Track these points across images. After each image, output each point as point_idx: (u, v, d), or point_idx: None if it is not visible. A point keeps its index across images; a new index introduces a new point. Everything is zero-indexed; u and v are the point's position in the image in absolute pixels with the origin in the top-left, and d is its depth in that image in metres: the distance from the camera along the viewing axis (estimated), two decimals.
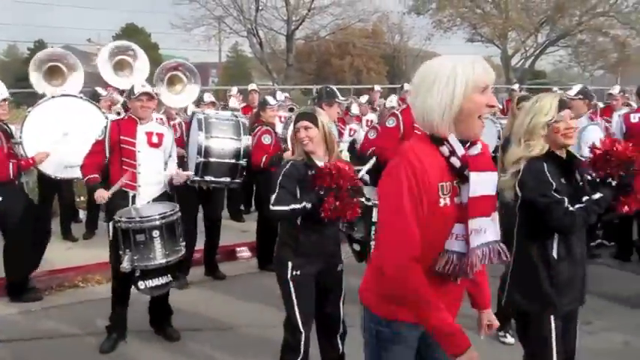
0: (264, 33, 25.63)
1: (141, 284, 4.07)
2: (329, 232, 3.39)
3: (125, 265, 4.00)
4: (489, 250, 2.02)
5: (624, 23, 25.81)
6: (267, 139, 5.81)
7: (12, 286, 5.25)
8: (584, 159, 2.85)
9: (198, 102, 7.23)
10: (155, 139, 4.41)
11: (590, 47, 27.73)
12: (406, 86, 9.72)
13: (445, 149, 1.94)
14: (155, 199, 4.41)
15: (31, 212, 5.30)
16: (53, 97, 5.95)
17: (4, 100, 5.24)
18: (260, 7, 24.70)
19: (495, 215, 2.06)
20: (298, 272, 3.29)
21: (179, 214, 4.25)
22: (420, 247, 1.92)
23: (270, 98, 6.57)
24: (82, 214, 7.71)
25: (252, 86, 9.94)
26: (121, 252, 4.07)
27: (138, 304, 4.51)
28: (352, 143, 7.96)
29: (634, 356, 4.04)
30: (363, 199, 4.26)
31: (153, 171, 4.39)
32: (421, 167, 1.89)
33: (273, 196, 3.23)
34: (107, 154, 4.33)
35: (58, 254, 6.03)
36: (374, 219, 4.31)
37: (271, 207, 3.23)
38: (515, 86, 12.52)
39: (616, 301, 3.89)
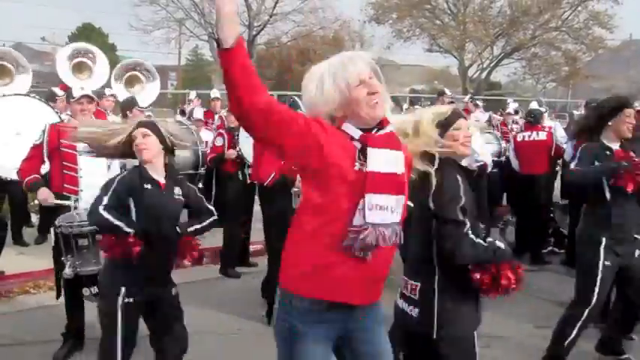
0: None
1: (85, 291, 3.91)
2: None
3: (67, 270, 3.89)
4: (392, 231, 2.07)
5: (575, 38, 26.86)
6: (219, 141, 6.24)
7: None
8: None
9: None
10: None
11: (543, 60, 28.69)
12: None
13: (347, 135, 2.09)
14: None
15: None
16: (4, 95, 5.79)
17: None
18: None
19: (402, 198, 2.10)
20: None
21: None
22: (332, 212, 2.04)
23: None
24: (35, 218, 7.49)
25: (214, 93, 9.82)
26: (63, 258, 3.95)
27: None
28: None
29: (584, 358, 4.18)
30: None
31: (95, 174, 4.23)
32: (331, 128, 2.07)
33: (105, 198, 3.08)
34: (45, 159, 4.29)
35: (8, 259, 5.82)
36: None
37: (101, 209, 3.06)
38: (466, 97, 12.81)
39: (565, 306, 4.05)
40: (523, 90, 33.89)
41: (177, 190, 3.28)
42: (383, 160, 2.06)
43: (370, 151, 2.04)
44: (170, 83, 35.64)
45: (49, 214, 6.57)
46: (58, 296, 4.27)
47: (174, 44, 27.62)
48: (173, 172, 3.36)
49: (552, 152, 6.81)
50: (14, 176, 5.64)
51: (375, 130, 2.10)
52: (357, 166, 2.03)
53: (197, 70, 39.85)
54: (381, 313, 2.25)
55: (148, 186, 3.14)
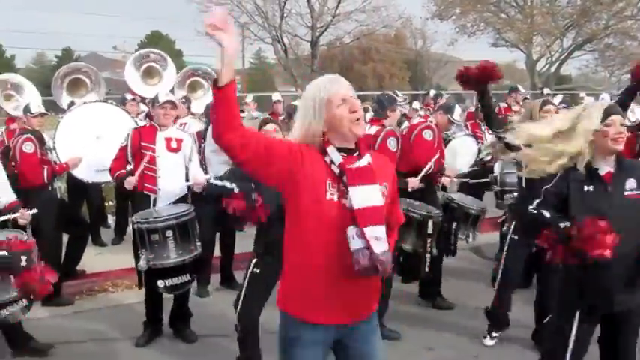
0: (289, 39, 25.73)
1: (160, 283, 4.21)
2: None
3: (142, 263, 4.19)
4: (387, 258, 2.15)
5: None
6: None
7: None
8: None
9: None
10: (174, 145, 4.62)
11: (617, 51, 27.25)
12: (432, 92, 9.73)
13: (327, 158, 2.20)
14: (175, 202, 4.60)
15: (66, 217, 5.39)
16: (85, 102, 6.05)
17: (42, 115, 5.45)
18: (285, 14, 24.82)
19: (383, 228, 2.19)
20: None
21: (193, 214, 4.36)
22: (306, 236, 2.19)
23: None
24: (111, 220, 7.79)
25: (276, 96, 9.85)
26: (139, 252, 4.26)
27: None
28: None
29: None
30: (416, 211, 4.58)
31: (172, 175, 4.59)
32: (308, 155, 2.20)
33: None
34: (130, 160, 4.59)
35: (88, 259, 6.08)
36: (429, 231, 4.56)
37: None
38: (545, 90, 12.35)
39: None
40: (595, 83, 32.37)
41: None
42: (367, 195, 2.17)
43: (352, 189, 2.16)
44: None
45: (125, 213, 6.94)
46: (140, 287, 4.50)
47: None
48: None
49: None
50: (94, 179, 5.94)
51: (357, 154, 2.25)
52: (328, 195, 2.18)
53: (260, 72, 40.49)
54: (373, 323, 2.40)
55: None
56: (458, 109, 5.64)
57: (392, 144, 4.96)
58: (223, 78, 1.98)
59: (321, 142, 2.23)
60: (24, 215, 4.24)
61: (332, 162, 2.20)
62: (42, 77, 37.72)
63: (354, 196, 2.15)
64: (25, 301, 3.98)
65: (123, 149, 4.63)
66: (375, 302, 2.42)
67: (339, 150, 2.23)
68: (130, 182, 4.51)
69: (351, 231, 2.12)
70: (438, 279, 5.33)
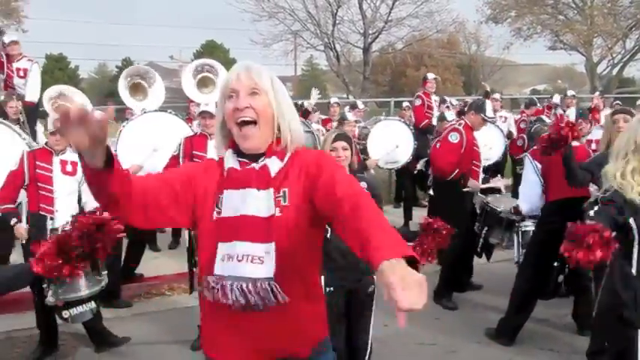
0: (341, 46, 25.82)
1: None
2: None
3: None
4: (251, 287, 1.69)
5: None
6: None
7: (106, 293, 5.51)
8: None
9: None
10: None
11: None
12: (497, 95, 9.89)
13: (222, 162, 1.82)
14: None
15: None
16: (145, 111, 6.26)
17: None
18: (337, 21, 24.93)
19: (265, 247, 1.70)
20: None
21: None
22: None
23: (349, 114, 7.25)
24: None
25: (333, 99, 10.29)
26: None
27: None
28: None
29: None
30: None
31: None
32: (204, 166, 1.86)
33: None
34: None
35: (145, 263, 6.29)
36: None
37: None
38: (596, 94, 11.99)
39: None
40: None
41: None
42: (236, 202, 1.73)
43: (224, 193, 1.75)
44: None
45: None
46: (190, 292, 4.67)
47: (290, 56, 28.40)
48: None
49: None
50: None
51: (262, 159, 1.78)
52: (215, 214, 1.76)
53: (312, 79, 40.81)
54: None
55: None
56: (489, 106, 5.54)
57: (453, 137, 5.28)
58: (91, 163, 1.51)
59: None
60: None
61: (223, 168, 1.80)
62: (103, 87, 39.39)
63: (223, 202, 1.75)
64: (93, 303, 4.16)
65: (175, 158, 4.75)
66: (312, 336, 1.85)
67: (245, 155, 1.79)
68: None
69: (219, 249, 1.72)
70: (456, 277, 5.46)
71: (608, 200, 2.73)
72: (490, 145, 7.69)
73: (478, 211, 5.39)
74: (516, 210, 4.74)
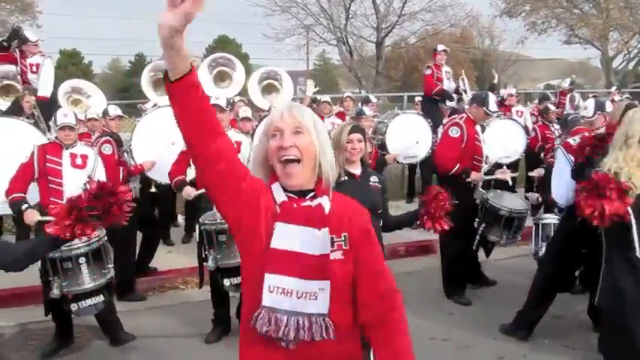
0: (354, 41, 25.71)
1: (226, 281, 4.27)
2: None
3: (210, 264, 4.26)
4: (306, 321, 1.73)
5: None
6: None
7: (120, 287, 5.55)
8: None
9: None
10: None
11: None
12: (502, 91, 9.66)
13: (271, 196, 1.82)
14: None
15: (139, 217, 5.61)
16: (157, 106, 6.28)
17: (119, 117, 5.79)
18: (350, 16, 24.82)
19: (318, 284, 1.75)
20: None
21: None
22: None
23: (366, 109, 7.11)
24: (181, 219, 8.04)
25: (347, 94, 10.32)
26: (205, 252, 4.36)
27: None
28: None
29: None
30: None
31: None
32: (263, 187, 1.83)
33: None
34: (191, 164, 4.62)
35: (160, 257, 6.32)
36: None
37: None
38: (613, 88, 11.86)
39: None
40: None
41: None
42: (291, 236, 1.76)
43: (277, 225, 1.76)
44: (299, 88, 36.71)
45: (194, 213, 7.13)
46: (200, 286, 4.67)
47: (303, 50, 28.33)
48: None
49: None
50: (166, 180, 6.14)
51: (311, 195, 1.82)
52: (265, 243, 1.76)
53: (324, 74, 40.70)
54: None
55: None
56: (493, 99, 5.38)
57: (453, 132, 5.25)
58: (170, 70, 1.55)
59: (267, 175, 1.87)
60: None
61: (275, 202, 1.80)
62: (116, 81, 39.59)
63: (275, 233, 1.75)
64: (101, 297, 4.20)
65: (184, 153, 4.67)
66: None
67: (289, 191, 1.82)
68: (189, 194, 4.56)
69: (267, 280, 1.73)
70: (465, 273, 5.44)
71: None
72: (511, 143, 7.61)
73: (479, 206, 5.33)
74: (548, 201, 4.69)
